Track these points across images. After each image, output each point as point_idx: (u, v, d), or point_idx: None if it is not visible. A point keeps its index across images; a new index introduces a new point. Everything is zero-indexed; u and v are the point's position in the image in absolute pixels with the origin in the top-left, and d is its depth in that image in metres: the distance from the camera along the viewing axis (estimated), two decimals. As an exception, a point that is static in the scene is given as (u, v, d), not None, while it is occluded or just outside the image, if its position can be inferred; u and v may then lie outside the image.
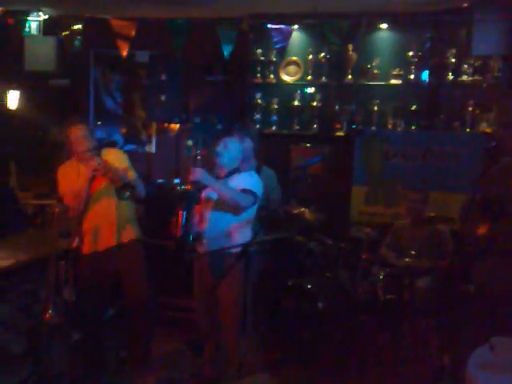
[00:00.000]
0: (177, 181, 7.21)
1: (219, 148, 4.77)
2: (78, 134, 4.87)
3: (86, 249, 5.03)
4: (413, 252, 5.69)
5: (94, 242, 5.00)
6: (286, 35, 7.07)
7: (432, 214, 6.02)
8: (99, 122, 7.84)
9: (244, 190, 4.61)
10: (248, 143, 5.07)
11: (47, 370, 4.75)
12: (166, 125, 7.60)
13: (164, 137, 7.70)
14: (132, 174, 5.04)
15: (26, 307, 4.89)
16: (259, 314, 5.22)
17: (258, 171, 5.42)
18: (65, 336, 4.86)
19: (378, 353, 5.40)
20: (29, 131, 9.08)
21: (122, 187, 4.81)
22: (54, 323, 4.61)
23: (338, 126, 7.29)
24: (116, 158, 5.01)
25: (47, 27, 7.54)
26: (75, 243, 4.80)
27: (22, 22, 7.31)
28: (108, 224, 4.98)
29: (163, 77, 7.09)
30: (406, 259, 5.64)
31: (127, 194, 4.83)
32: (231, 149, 4.82)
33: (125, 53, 7.03)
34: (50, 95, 8.69)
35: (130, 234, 5.11)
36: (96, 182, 4.81)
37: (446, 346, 5.42)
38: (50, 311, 4.52)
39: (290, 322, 5.41)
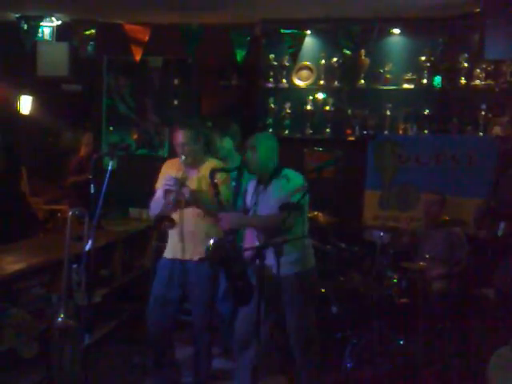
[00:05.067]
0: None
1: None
2: (178, 140, 4.73)
3: (168, 252, 4.94)
4: (427, 255, 5.60)
5: (174, 248, 4.88)
6: (299, 40, 6.98)
7: (446, 218, 5.92)
8: (111, 128, 7.74)
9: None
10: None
11: (59, 374, 4.64)
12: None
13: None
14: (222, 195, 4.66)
15: (37, 311, 4.80)
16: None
17: (241, 172, 5.37)
18: (77, 340, 4.73)
19: (392, 357, 5.30)
20: (41, 137, 9.05)
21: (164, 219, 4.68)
22: (66, 327, 4.48)
23: (351, 130, 7.25)
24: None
25: (60, 33, 7.53)
26: (88, 246, 4.64)
27: (35, 28, 7.21)
28: (187, 234, 4.82)
29: (176, 81, 7.00)
30: (421, 263, 5.55)
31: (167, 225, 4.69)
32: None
33: (138, 58, 6.95)
34: (62, 101, 8.67)
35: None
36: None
37: (461, 348, 5.38)
38: (61, 315, 4.39)
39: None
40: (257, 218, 4.56)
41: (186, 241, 4.81)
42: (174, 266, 4.86)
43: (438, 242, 5.89)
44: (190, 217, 4.78)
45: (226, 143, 5.54)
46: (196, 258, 4.74)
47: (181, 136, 4.71)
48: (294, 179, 4.47)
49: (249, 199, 4.66)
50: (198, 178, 4.79)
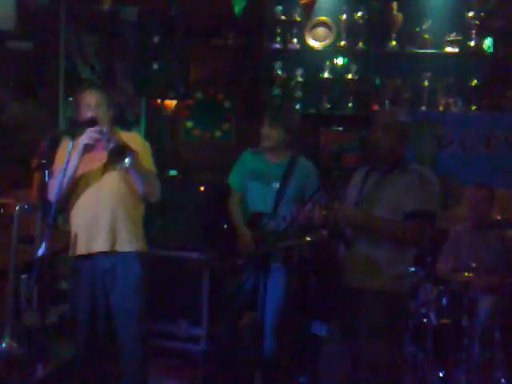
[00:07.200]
0: (172, 172, 7.12)
1: None
2: (86, 102, 4.65)
3: (78, 249, 4.77)
4: (474, 264, 5.64)
5: (86, 240, 4.73)
6: (314, -12, 7.00)
7: (498, 217, 6.03)
8: (71, 98, 7.73)
9: None
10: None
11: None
12: (158, 101, 7.52)
13: (156, 116, 7.65)
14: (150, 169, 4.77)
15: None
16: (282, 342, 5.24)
17: (293, 162, 5.31)
18: (27, 372, 4.75)
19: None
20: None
21: (118, 150, 4.34)
22: (13, 355, 4.51)
23: (379, 105, 7.29)
24: (133, 143, 4.70)
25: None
26: (42, 251, 4.64)
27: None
28: (101, 221, 4.69)
29: (156, 40, 6.99)
30: (466, 273, 5.60)
31: (127, 161, 4.32)
32: None
33: (106, 7, 6.94)
34: (7, 62, 8.64)
35: (129, 242, 4.75)
36: (91, 158, 4.51)
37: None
38: (6, 340, 4.42)
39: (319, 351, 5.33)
40: (383, 220, 4.31)
41: (112, 226, 4.68)
42: (94, 263, 4.72)
43: (487, 247, 5.97)
44: (110, 190, 4.66)
45: (278, 134, 5.27)
46: (124, 248, 4.69)
47: (93, 96, 4.67)
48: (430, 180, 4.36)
49: (353, 192, 4.52)
50: None
